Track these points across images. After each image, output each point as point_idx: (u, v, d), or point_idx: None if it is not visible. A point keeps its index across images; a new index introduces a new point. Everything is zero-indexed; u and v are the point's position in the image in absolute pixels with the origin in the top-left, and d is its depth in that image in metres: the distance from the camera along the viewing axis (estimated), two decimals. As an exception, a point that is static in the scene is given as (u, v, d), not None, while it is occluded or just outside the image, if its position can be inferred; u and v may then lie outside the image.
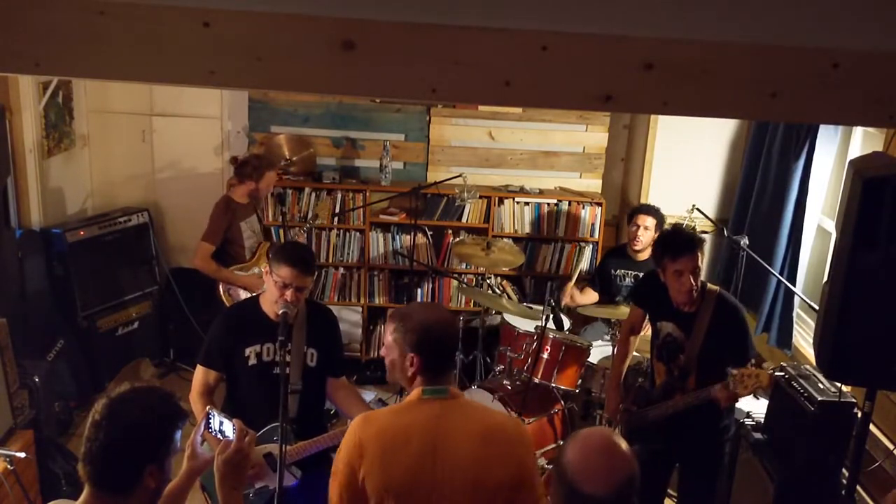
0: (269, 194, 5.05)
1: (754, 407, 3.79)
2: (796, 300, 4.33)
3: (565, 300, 4.98)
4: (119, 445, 1.82)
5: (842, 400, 3.13)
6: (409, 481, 2.10)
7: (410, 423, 2.15)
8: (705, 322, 3.24)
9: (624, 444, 1.78)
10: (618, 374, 3.79)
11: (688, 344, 3.29)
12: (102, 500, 1.83)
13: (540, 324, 4.16)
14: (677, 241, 3.30)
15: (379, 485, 2.10)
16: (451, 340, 2.29)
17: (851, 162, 2.35)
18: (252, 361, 2.92)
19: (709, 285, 3.34)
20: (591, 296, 5.07)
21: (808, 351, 4.15)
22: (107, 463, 1.82)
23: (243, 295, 4.59)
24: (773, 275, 4.29)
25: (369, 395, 5.22)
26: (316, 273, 3.21)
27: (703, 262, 3.29)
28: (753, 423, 3.64)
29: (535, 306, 4.91)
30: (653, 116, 5.27)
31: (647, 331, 3.77)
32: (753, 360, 3.06)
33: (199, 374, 2.98)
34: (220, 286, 4.62)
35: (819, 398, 3.15)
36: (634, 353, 3.93)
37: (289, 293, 2.82)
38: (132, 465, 1.83)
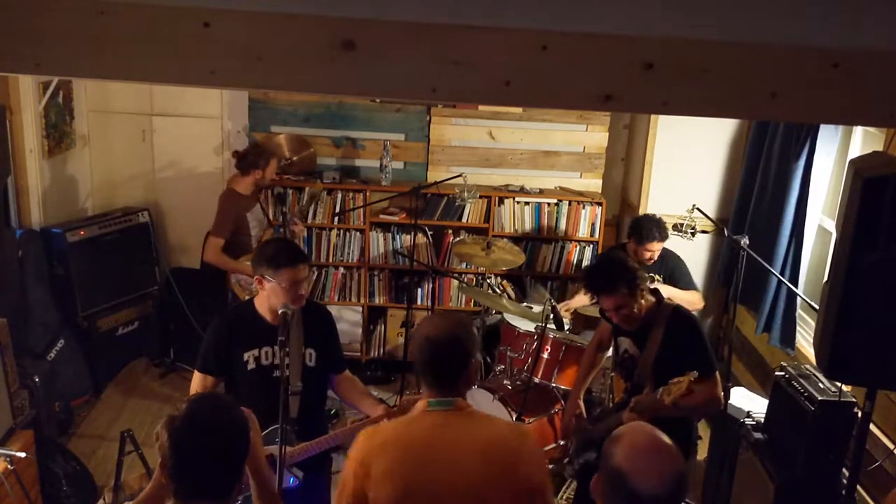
0: (269, 188, 5.09)
1: (754, 407, 3.79)
2: (798, 300, 4.33)
3: (565, 311, 4.93)
4: (225, 450, 1.85)
5: (842, 400, 3.13)
6: (409, 494, 2.08)
7: (410, 435, 2.15)
8: (658, 337, 3.16)
9: (667, 438, 1.77)
10: (578, 389, 3.64)
11: (641, 359, 3.22)
12: None
13: (540, 324, 4.16)
14: (592, 280, 3.19)
15: (384, 498, 2.08)
16: (450, 357, 2.18)
17: (851, 162, 2.36)
18: (251, 366, 2.92)
19: (665, 301, 3.26)
20: (584, 297, 5.05)
21: (809, 351, 4.15)
22: (213, 470, 1.85)
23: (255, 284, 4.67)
24: (774, 275, 4.29)
25: (369, 395, 5.22)
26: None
27: (655, 284, 3.14)
28: (753, 422, 3.63)
29: (535, 306, 4.91)
30: (653, 116, 5.26)
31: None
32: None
33: (197, 380, 2.98)
34: (232, 277, 4.65)
35: (819, 398, 3.15)
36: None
37: (302, 288, 2.85)
38: (235, 466, 1.88)
